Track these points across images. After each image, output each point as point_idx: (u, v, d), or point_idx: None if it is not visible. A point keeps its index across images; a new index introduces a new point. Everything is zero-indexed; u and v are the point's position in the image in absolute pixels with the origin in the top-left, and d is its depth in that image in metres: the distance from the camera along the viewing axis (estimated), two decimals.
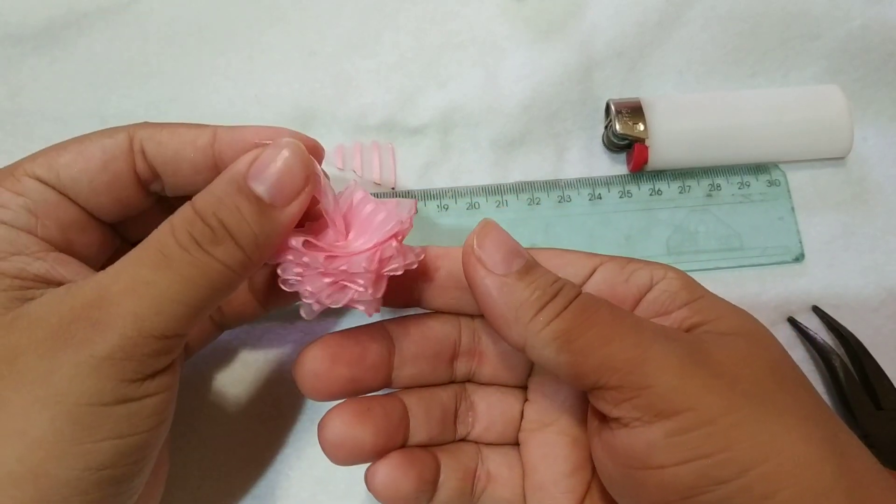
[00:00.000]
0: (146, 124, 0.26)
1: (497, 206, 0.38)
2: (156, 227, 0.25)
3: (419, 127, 0.40)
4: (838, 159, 0.39)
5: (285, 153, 0.23)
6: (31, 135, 0.39)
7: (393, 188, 0.38)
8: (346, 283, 0.24)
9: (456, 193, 0.38)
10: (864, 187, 0.39)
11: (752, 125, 0.38)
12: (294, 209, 0.23)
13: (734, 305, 0.26)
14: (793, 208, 0.38)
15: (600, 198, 0.38)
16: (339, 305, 0.24)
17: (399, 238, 0.25)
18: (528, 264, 0.23)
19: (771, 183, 0.39)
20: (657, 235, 0.37)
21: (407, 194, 0.38)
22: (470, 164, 0.39)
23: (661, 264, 0.26)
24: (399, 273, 0.25)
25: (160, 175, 0.26)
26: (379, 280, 0.25)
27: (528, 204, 0.38)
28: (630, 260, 0.26)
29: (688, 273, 0.36)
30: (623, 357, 0.22)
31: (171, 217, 0.22)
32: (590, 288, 0.26)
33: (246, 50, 0.41)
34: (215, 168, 0.25)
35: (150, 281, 0.21)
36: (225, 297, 0.23)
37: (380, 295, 0.25)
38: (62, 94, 0.40)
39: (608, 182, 0.39)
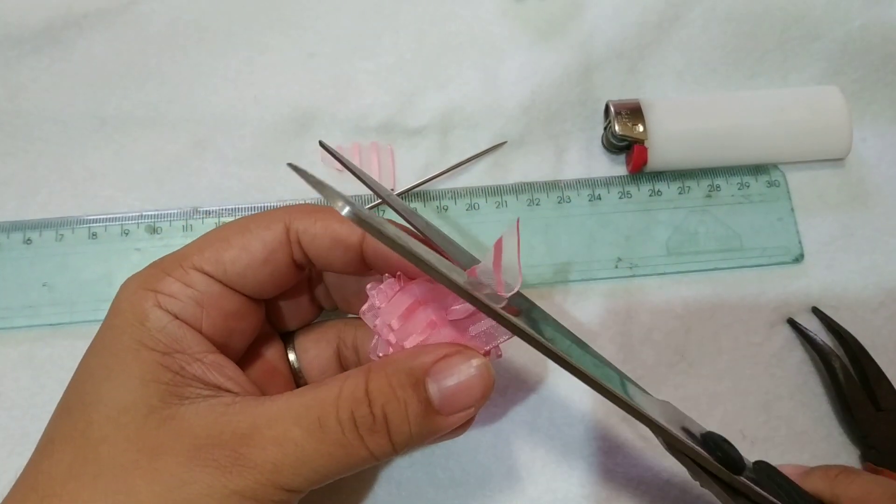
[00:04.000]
0: (300, 211, 0.26)
1: (496, 207, 0.38)
2: (299, 295, 0.29)
3: (418, 128, 0.40)
4: (838, 160, 0.39)
5: (473, 369, 0.23)
6: (31, 136, 0.39)
7: (392, 189, 0.38)
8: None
9: (455, 194, 0.38)
10: (864, 188, 0.39)
11: (752, 126, 0.38)
12: (457, 420, 0.23)
13: None
14: (792, 209, 0.38)
15: (600, 198, 0.38)
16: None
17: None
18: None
19: (770, 184, 0.39)
20: (657, 236, 0.37)
21: (406, 195, 0.38)
22: (469, 164, 0.39)
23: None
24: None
25: (313, 262, 0.27)
26: None
27: (528, 205, 0.38)
28: None
29: (687, 274, 0.37)
30: None
31: (344, 383, 0.23)
32: None
33: (245, 51, 0.41)
34: (363, 264, 0.26)
35: (299, 443, 0.22)
36: (353, 472, 0.24)
37: None
38: (61, 96, 0.40)
39: (608, 183, 0.39)
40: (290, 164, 0.24)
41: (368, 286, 0.25)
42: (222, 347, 0.25)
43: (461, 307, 0.24)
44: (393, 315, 0.24)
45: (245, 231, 0.26)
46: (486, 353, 0.24)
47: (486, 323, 0.24)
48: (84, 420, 0.23)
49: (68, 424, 0.23)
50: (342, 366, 0.30)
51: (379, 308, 0.25)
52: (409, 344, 0.24)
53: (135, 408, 0.23)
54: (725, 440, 0.26)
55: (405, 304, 0.24)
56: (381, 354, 0.25)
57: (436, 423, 0.23)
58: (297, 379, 0.30)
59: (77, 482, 0.22)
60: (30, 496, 0.22)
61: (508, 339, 0.24)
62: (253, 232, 0.26)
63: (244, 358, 0.28)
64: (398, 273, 0.26)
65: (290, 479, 0.22)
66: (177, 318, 0.24)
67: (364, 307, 0.25)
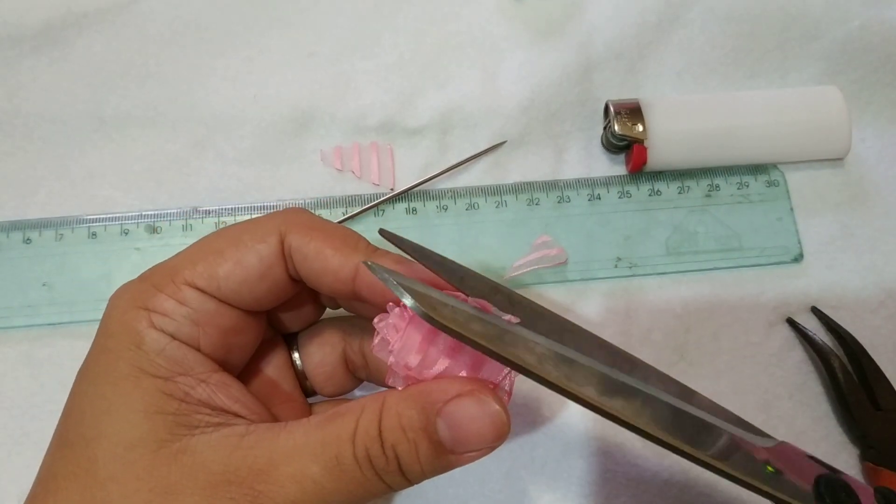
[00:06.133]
0: (297, 223, 0.25)
1: (496, 207, 0.38)
2: (301, 300, 0.28)
3: (418, 128, 0.40)
4: (837, 160, 0.39)
5: (486, 415, 0.21)
6: (30, 136, 0.39)
7: (392, 189, 0.38)
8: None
9: (455, 194, 0.38)
10: (863, 188, 0.39)
11: (751, 126, 0.38)
12: (471, 458, 0.22)
13: None
14: (791, 209, 0.38)
15: (599, 198, 0.38)
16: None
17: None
18: None
19: (770, 183, 0.39)
20: (656, 236, 0.37)
21: (406, 194, 0.38)
22: (469, 164, 0.39)
23: None
24: None
25: (304, 281, 0.26)
26: None
27: (528, 204, 0.38)
28: None
29: (687, 274, 0.37)
30: None
31: (360, 417, 0.22)
32: None
33: (245, 51, 0.41)
34: (353, 296, 0.25)
35: (317, 481, 0.21)
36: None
37: None
38: (61, 95, 0.40)
39: (607, 182, 0.39)
40: (365, 263, 0.23)
41: (376, 320, 0.24)
42: (223, 364, 0.25)
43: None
44: (409, 352, 0.23)
45: (239, 243, 0.24)
46: (510, 373, 0.23)
47: None
48: (87, 456, 0.22)
49: (71, 460, 0.22)
50: (349, 370, 0.29)
51: (392, 345, 0.24)
52: (430, 374, 0.23)
53: (142, 443, 0.22)
54: (845, 486, 0.23)
55: (419, 335, 0.23)
56: (399, 388, 0.24)
57: (448, 461, 0.22)
58: (302, 383, 0.29)
59: None
60: None
61: None
62: (248, 245, 0.24)
63: (247, 365, 0.27)
64: (402, 302, 0.24)
65: None
66: (174, 338, 0.23)
67: (375, 341, 0.24)
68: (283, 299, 0.26)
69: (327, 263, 0.24)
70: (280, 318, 0.29)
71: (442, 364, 0.23)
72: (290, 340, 0.30)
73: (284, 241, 0.25)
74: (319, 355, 0.29)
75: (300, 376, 0.29)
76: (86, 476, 0.22)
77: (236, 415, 0.24)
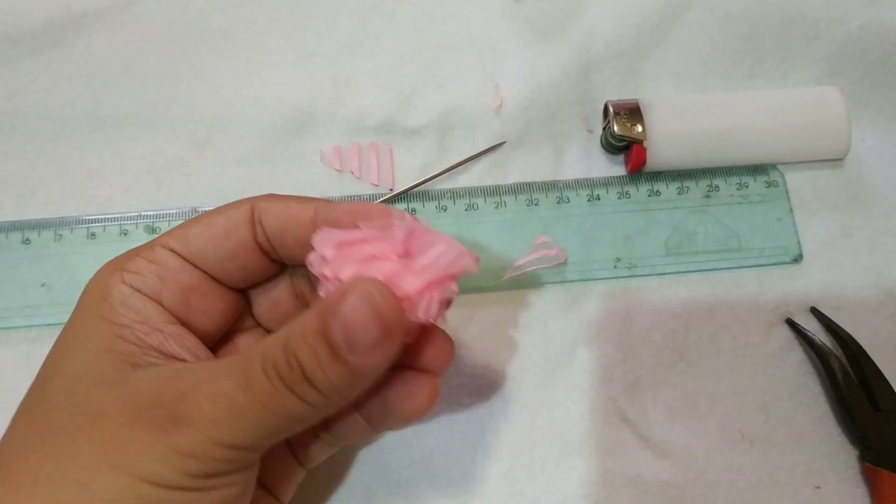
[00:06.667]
0: (268, 196, 0.27)
1: (495, 207, 0.38)
2: (280, 293, 0.29)
3: (417, 128, 0.40)
4: (837, 160, 0.39)
5: (360, 300, 0.21)
6: (30, 136, 0.39)
7: (391, 189, 0.38)
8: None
9: (454, 194, 0.38)
10: (863, 188, 0.39)
11: (751, 126, 0.38)
12: (372, 361, 0.21)
13: None
14: (791, 209, 0.38)
15: (599, 199, 0.38)
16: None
17: (455, 279, 0.24)
18: None
19: (769, 184, 0.39)
20: (656, 236, 0.37)
21: (406, 195, 0.38)
22: (468, 164, 0.39)
23: None
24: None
25: (273, 244, 0.27)
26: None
27: (527, 205, 0.38)
28: None
29: (686, 274, 0.37)
30: None
31: (268, 340, 0.22)
32: None
33: (244, 51, 0.41)
34: None
35: (230, 395, 0.22)
36: (305, 426, 0.23)
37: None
38: (60, 95, 0.40)
39: (607, 183, 0.39)
40: None
41: (313, 234, 0.25)
42: (186, 324, 0.26)
43: (399, 233, 0.23)
44: (329, 244, 0.23)
45: (214, 211, 0.27)
46: (432, 287, 0.23)
47: (435, 252, 0.23)
48: (41, 392, 0.24)
49: (28, 403, 0.24)
50: None
51: (312, 257, 0.24)
52: (344, 275, 0.23)
53: (86, 376, 0.23)
54: None
55: (347, 237, 0.24)
56: (322, 294, 0.24)
57: (350, 366, 0.21)
58: None
59: (26, 449, 0.23)
60: None
61: (462, 270, 0.23)
62: (220, 211, 0.27)
63: (227, 351, 0.28)
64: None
65: (230, 435, 0.21)
66: (137, 291, 0.25)
67: (310, 256, 0.24)
68: (254, 273, 0.27)
69: (289, 212, 0.26)
70: (261, 314, 0.30)
71: (359, 265, 0.23)
72: None
73: (255, 209, 0.26)
74: None
75: None
76: (35, 409, 0.24)
77: (184, 361, 0.25)
